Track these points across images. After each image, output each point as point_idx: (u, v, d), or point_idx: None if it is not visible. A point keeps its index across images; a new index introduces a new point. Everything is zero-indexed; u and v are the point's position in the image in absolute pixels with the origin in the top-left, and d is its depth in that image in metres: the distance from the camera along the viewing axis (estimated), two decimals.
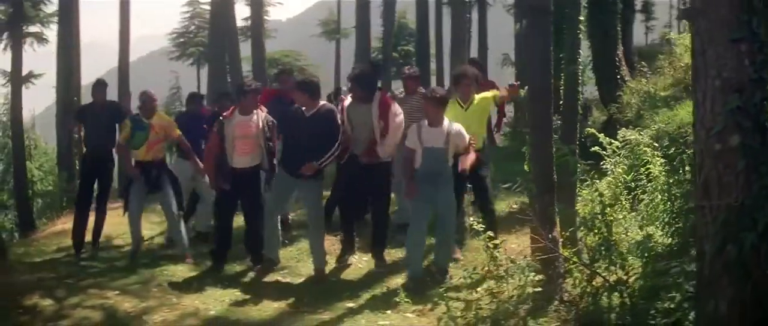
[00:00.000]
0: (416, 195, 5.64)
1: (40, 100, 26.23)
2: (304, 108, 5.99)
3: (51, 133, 22.26)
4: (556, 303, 4.43)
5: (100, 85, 7.48)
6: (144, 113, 6.83)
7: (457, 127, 5.71)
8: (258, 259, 6.45)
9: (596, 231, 4.56)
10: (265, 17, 15.86)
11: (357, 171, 6.03)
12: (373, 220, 6.29)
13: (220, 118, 6.32)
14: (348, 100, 6.32)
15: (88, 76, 18.47)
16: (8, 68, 19.90)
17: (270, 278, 6.33)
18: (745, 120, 2.90)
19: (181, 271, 6.62)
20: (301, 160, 5.86)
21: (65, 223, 10.81)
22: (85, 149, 8.01)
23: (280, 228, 6.53)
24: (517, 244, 6.26)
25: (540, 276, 4.40)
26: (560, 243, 4.67)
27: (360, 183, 6.09)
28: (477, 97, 6.27)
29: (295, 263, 6.65)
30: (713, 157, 2.96)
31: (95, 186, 7.67)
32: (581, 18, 5.43)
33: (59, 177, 14.63)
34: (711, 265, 3.04)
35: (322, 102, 6.20)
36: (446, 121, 5.68)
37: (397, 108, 6.13)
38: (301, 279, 6.24)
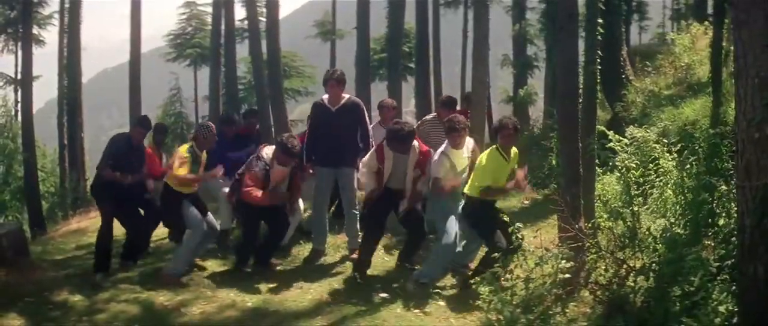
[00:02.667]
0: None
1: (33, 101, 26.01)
2: (327, 102, 6.44)
3: (46, 134, 22.21)
4: (589, 286, 4.66)
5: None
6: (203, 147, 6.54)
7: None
8: (263, 263, 6.56)
9: (623, 220, 4.81)
10: (259, 18, 15.86)
11: (391, 197, 6.17)
12: (409, 237, 6.33)
13: (261, 163, 6.30)
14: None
15: None
16: (4, 70, 19.93)
17: (301, 271, 6.52)
18: None
19: (210, 266, 6.72)
20: (335, 151, 6.39)
21: (80, 222, 10.92)
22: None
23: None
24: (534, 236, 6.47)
25: (570, 264, 4.63)
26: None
27: (394, 206, 6.22)
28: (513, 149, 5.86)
29: (326, 257, 6.81)
30: (753, 144, 3.42)
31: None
32: (600, 21, 5.59)
33: (69, 177, 14.56)
34: (751, 235, 3.53)
35: (346, 94, 6.54)
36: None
37: (434, 158, 6.08)
38: (333, 272, 6.44)
